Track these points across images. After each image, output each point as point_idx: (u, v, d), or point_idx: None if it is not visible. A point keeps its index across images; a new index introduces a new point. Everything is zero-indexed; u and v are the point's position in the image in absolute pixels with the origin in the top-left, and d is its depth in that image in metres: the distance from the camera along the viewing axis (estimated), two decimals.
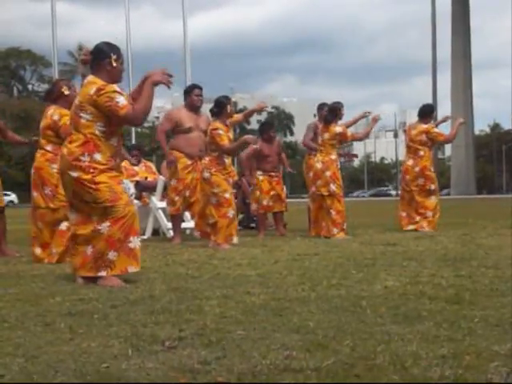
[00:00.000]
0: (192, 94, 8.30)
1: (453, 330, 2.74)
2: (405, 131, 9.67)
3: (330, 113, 8.50)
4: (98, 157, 4.43)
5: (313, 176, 8.53)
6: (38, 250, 6.01)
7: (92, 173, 4.40)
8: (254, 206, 9.32)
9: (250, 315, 3.13)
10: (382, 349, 2.43)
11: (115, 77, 4.56)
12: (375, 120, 8.75)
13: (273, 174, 9.37)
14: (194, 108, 8.25)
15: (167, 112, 8.72)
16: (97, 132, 4.44)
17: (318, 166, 8.42)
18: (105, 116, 4.43)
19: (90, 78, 4.54)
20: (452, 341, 2.55)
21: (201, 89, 8.39)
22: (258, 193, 9.26)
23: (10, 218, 7.72)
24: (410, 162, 9.17)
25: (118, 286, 4.24)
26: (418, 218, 9.03)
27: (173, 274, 4.82)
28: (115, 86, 4.48)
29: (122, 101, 4.40)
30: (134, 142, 11.24)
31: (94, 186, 4.39)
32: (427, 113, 9.32)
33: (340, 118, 8.59)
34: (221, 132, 7.18)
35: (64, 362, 2.35)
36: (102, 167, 4.43)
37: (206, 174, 7.19)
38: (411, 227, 8.99)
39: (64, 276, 4.77)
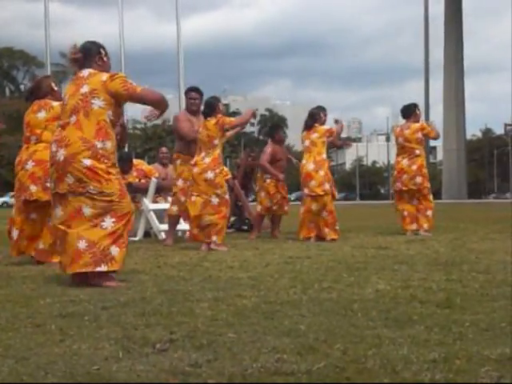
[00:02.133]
0: (187, 98, 8.31)
1: (443, 334, 2.75)
2: (394, 132, 9.59)
3: (310, 118, 8.52)
4: (108, 144, 4.48)
5: (305, 177, 8.40)
6: (24, 242, 5.96)
7: (106, 163, 4.44)
8: (258, 208, 9.33)
9: (241, 318, 3.13)
10: (372, 352, 2.44)
11: (106, 71, 4.67)
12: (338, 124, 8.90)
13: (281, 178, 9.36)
14: (190, 111, 8.25)
15: (175, 117, 8.62)
16: (107, 119, 4.51)
17: (310, 166, 8.36)
18: (114, 105, 4.54)
19: (90, 70, 4.62)
20: (443, 345, 2.56)
21: (197, 91, 8.32)
22: (263, 194, 9.27)
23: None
24: (406, 162, 9.10)
25: (115, 287, 4.24)
26: (419, 216, 9.04)
27: (164, 276, 4.81)
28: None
29: (133, 82, 4.60)
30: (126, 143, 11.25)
31: (106, 176, 4.41)
32: (411, 111, 9.33)
33: (322, 123, 8.58)
34: (225, 116, 7.33)
35: (54, 364, 2.35)
36: (112, 160, 4.50)
37: (211, 175, 7.17)
38: (414, 226, 8.98)
39: (54, 277, 4.75)
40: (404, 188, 9.11)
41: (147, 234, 9.50)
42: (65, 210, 4.47)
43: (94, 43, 4.76)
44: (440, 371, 2.20)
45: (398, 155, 9.34)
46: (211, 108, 7.36)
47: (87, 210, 4.40)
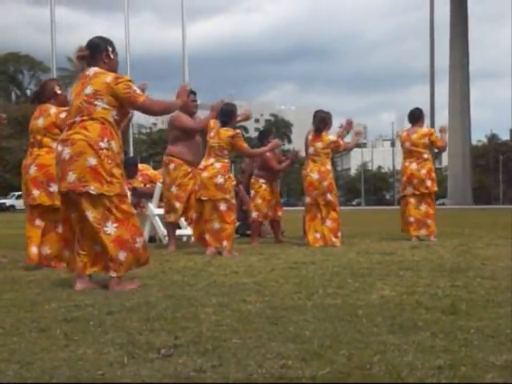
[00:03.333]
0: (188, 100, 8.28)
1: (449, 340, 2.74)
2: (399, 136, 9.48)
3: (321, 122, 8.50)
4: (113, 144, 4.48)
5: (308, 186, 8.44)
6: (34, 250, 5.95)
7: (109, 163, 4.44)
8: (254, 214, 9.22)
9: (246, 323, 3.13)
10: (377, 359, 2.43)
11: (113, 69, 4.66)
12: (359, 134, 9.16)
13: (275, 183, 9.38)
14: (189, 113, 8.24)
15: (174, 116, 8.53)
16: (111, 120, 4.51)
17: (315, 176, 8.39)
18: (118, 106, 4.53)
19: (96, 69, 4.59)
20: (448, 351, 2.55)
21: (195, 94, 8.40)
22: (259, 201, 9.21)
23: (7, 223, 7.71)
24: (414, 166, 9.08)
25: (135, 288, 4.34)
26: (429, 222, 9.03)
27: (169, 281, 4.81)
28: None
29: (138, 89, 4.58)
30: (131, 147, 11.23)
31: (108, 178, 4.41)
32: (418, 116, 9.34)
33: (329, 128, 8.63)
34: (241, 137, 7.41)
35: (59, 369, 2.35)
36: (117, 160, 4.50)
37: (221, 180, 7.23)
38: (423, 232, 8.97)
39: (60, 282, 4.76)
40: (416, 192, 9.08)
41: (152, 238, 9.51)
42: (74, 212, 4.48)
43: (102, 39, 4.71)
44: (445, 378, 2.19)
45: (405, 160, 9.28)
46: (230, 116, 7.45)
47: (89, 214, 4.40)
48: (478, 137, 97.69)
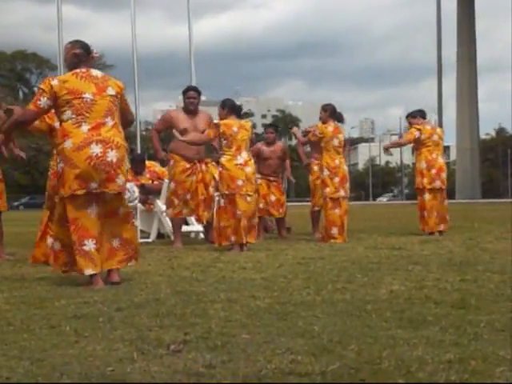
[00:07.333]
0: (185, 97, 8.25)
1: (458, 334, 2.74)
2: (419, 130, 9.17)
3: (335, 112, 8.38)
4: None
5: (342, 178, 8.23)
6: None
7: None
8: None
9: (255, 319, 3.13)
10: (387, 353, 2.43)
11: None
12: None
13: (271, 178, 9.29)
14: (188, 110, 8.19)
15: (165, 113, 8.72)
16: None
17: (346, 168, 8.36)
18: None
19: (99, 72, 4.64)
20: (457, 345, 2.54)
21: (196, 91, 8.32)
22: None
23: (19, 221, 7.73)
24: (441, 160, 9.20)
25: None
26: (447, 217, 9.11)
27: (178, 277, 4.82)
28: None
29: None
30: (139, 144, 11.21)
31: None
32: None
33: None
34: None
35: (69, 365, 2.35)
36: None
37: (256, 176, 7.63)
38: (442, 227, 8.97)
39: (69, 279, 4.77)
40: (443, 186, 9.11)
41: (160, 235, 9.52)
42: (101, 208, 4.50)
43: (86, 43, 4.71)
44: (455, 372, 2.19)
45: (431, 152, 9.13)
46: (240, 110, 7.57)
47: (121, 210, 4.60)
48: (486, 130, 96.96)
